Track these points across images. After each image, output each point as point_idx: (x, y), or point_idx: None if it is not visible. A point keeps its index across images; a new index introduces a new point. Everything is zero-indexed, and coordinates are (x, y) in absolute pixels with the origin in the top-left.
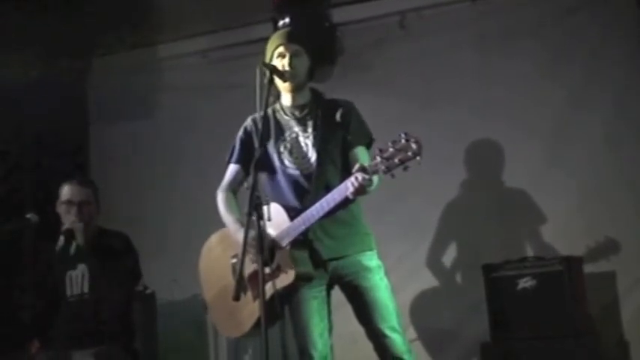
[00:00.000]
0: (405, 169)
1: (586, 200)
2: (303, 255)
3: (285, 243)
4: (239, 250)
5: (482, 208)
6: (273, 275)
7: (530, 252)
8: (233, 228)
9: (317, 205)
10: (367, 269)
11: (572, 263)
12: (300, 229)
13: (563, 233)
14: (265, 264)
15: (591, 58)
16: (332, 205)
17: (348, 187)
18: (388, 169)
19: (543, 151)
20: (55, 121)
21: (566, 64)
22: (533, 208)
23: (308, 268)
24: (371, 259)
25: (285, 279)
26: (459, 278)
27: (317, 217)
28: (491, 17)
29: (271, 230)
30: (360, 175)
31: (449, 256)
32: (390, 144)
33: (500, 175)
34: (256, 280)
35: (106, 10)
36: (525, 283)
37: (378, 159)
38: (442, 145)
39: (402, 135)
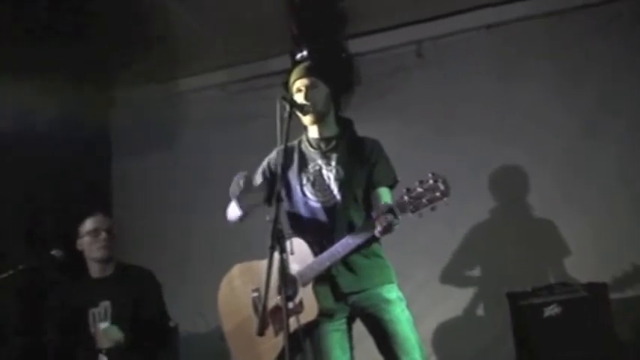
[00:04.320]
0: (433, 209)
1: (607, 226)
2: (326, 290)
3: (308, 279)
4: (260, 284)
5: (503, 234)
6: (296, 310)
7: (552, 279)
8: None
9: (343, 241)
10: (388, 302)
11: (598, 289)
12: (325, 265)
13: (585, 260)
14: (288, 299)
15: (605, 84)
16: (358, 242)
17: (376, 226)
18: (416, 209)
19: (561, 176)
20: (78, 154)
21: (582, 90)
22: (555, 234)
23: (330, 303)
24: (391, 292)
25: (309, 314)
26: (481, 306)
27: (342, 254)
28: (506, 43)
29: (294, 265)
30: (389, 216)
31: (471, 284)
32: (417, 184)
33: (521, 202)
34: (278, 315)
35: (127, 46)
36: (551, 310)
37: (406, 199)
38: (461, 172)
39: (430, 175)
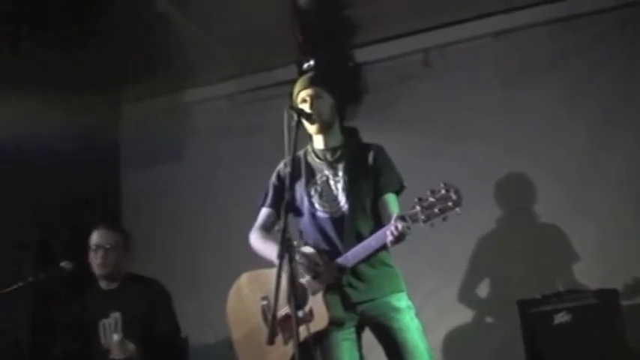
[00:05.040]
0: (445, 219)
1: (615, 233)
2: (336, 299)
3: (319, 288)
4: (269, 292)
5: (511, 242)
6: (306, 319)
7: (561, 286)
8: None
9: (353, 250)
10: (396, 310)
11: (608, 296)
12: (335, 275)
13: (595, 266)
14: (298, 307)
15: (612, 91)
16: (370, 251)
17: (387, 235)
18: (428, 219)
19: (568, 184)
20: (87, 166)
21: (588, 98)
22: (563, 242)
23: (340, 312)
24: (400, 300)
25: (319, 323)
26: (491, 314)
27: (353, 262)
28: (513, 52)
29: (304, 274)
30: (400, 224)
31: (480, 292)
32: (429, 193)
33: (528, 210)
34: (287, 324)
35: (134, 58)
36: (561, 318)
37: (418, 208)
38: (469, 180)
39: (442, 185)
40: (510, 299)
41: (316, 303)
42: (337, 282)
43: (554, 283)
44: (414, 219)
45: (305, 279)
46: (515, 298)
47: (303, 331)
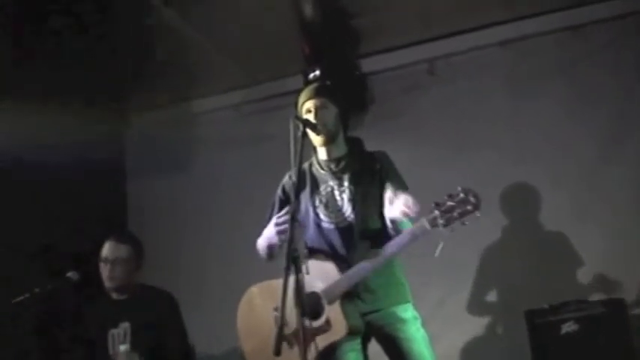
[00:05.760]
0: (464, 223)
1: (622, 242)
2: (352, 307)
3: (335, 297)
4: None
5: (517, 252)
6: (323, 329)
7: (569, 296)
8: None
9: (372, 259)
10: (402, 321)
11: (616, 305)
12: (353, 282)
13: (602, 276)
14: (314, 317)
15: (619, 100)
16: (387, 256)
17: (412, 231)
18: (447, 223)
19: (575, 193)
20: (92, 177)
21: (595, 107)
22: (570, 251)
23: (358, 321)
24: (406, 311)
25: (337, 333)
26: (498, 325)
27: (371, 268)
28: (520, 60)
29: (319, 283)
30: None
31: (487, 302)
32: (446, 198)
33: (535, 219)
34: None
35: (140, 68)
36: (569, 327)
37: (437, 212)
38: (476, 189)
39: (460, 189)
40: (517, 309)
41: (333, 312)
42: (354, 290)
43: (561, 293)
44: (434, 224)
45: (320, 288)
46: (522, 308)
47: (320, 342)
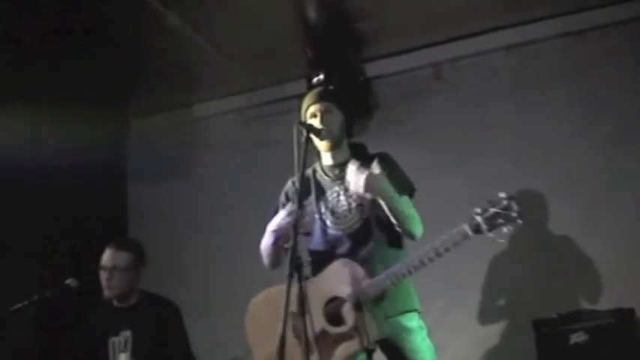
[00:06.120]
0: (508, 230)
1: (631, 251)
2: (380, 314)
3: (364, 301)
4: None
5: (524, 261)
6: (348, 335)
7: (577, 305)
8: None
9: (406, 261)
10: (408, 330)
11: (625, 315)
12: (385, 286)
13: (611, 285)
14: (336, 323)
15: (625, 107)
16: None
17: (453, 236)
18: (491, 228)
19: (581, 201)
20: (93, 182)
21: (601, 113)
22: (578, 260)
23: (387, 329)
24: (411, 320)
25: (366, 340)
26: (505, 334)
27: (405, 272)
28: (526, 65)
29: (344, 287)
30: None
31: (494, 311)
32: (488, 204)
33: (541, 227)
34: (327, 342)
35: (141, 72)
36: (578, 337)
37: (479, 219)
38: (482, 196)
39: (504, 195)
40: (525, 319)
41: (361, 318)
42: (383, 295)
43: (569, 302)
44: (477, 229)
45: (346, 292)
46: (530, 318)
47: (345, 349)
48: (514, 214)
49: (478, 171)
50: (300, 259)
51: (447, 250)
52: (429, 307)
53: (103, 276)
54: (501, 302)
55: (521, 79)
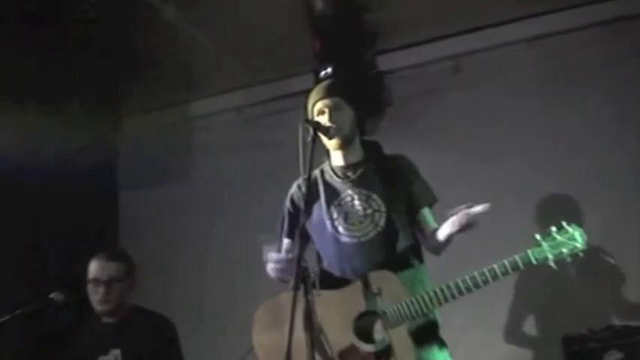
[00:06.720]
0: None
1: None
2: (418, 337)
3: (403, 319)
4: (322, 322)
5: (554, 272)
6: (378, 356)
7: (610, 321)
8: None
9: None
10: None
11: None
12: (427, 306)
13: None
14: (366, 340)
15: None
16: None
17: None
18: (557, 260)
19: (615, 209)
20: (81, 187)
21: (634, 111)
22: (611, 272)
23: (424, 353)
24: (442, 352)
25: None
26: (532, 352)
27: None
28: (550, 59)
29: (379, 301)
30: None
31: (520, 327)
32: (554, 230)
33: None
34: (355, 359)
35: (134, 67)
36: (611, 356)
37: (545, 246)
38: (504, 202)
39: (566, 224)
40: (554, 335)
41: (398, 337)
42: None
43: (602, 318)
44: (542, 259)
45: (380, 308)
46: (559, 334)
47: None
48: (578, 245)
49: (500, 175)
50: (308, 269)
51: (504, 274)
52: (449, 322)
53: (96, 290)
54: (528, 317)
55: (546, 74)
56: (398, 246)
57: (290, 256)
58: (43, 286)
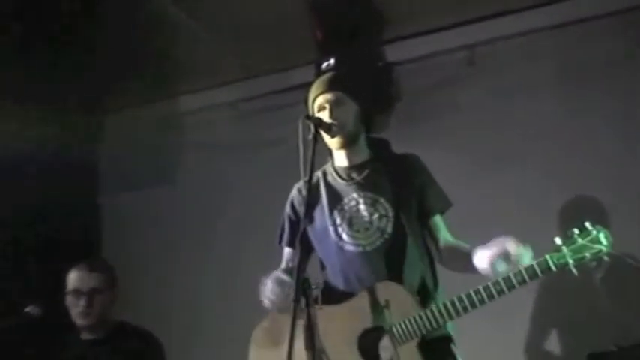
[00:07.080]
0: (595, 264)
1: None
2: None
3: (413, 335)
4: (326, 344)
5: (579, 284)
6: None
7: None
8: None
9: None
10: None
11: None
12: (441, 320)
13: None
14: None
15: None
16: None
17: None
18: (577, 264)
19: None
20: (60, 190)
21: None
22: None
23: None
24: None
25: None
26: None
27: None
28: (573, 48)
29: (387, 316)
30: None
31: (542, 342)
32: (576, 232)
33: None
34: None
35: (118, 58)
36: None
37: (565, 250)
38: (525, 208)
39: (589, 225)
40: (577, 351)
41: (407, 354)
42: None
43: (631, 333)
44: (561, 265)
45: (388, 323)
46: (584, 351)
47: None
48: (602, 248)
49: (520, 176)
50: (308, 280)
51: (521, 282)
52: (463, 337)
53: (76, 302)
54: (549, 332)
55: (570, 66)
56: (410, 254)
57: (290, 265)
58: (19, 299)
